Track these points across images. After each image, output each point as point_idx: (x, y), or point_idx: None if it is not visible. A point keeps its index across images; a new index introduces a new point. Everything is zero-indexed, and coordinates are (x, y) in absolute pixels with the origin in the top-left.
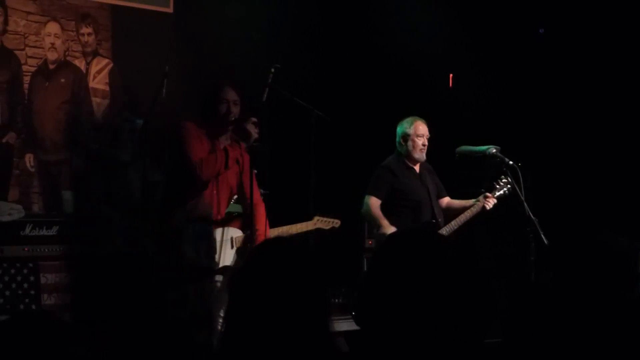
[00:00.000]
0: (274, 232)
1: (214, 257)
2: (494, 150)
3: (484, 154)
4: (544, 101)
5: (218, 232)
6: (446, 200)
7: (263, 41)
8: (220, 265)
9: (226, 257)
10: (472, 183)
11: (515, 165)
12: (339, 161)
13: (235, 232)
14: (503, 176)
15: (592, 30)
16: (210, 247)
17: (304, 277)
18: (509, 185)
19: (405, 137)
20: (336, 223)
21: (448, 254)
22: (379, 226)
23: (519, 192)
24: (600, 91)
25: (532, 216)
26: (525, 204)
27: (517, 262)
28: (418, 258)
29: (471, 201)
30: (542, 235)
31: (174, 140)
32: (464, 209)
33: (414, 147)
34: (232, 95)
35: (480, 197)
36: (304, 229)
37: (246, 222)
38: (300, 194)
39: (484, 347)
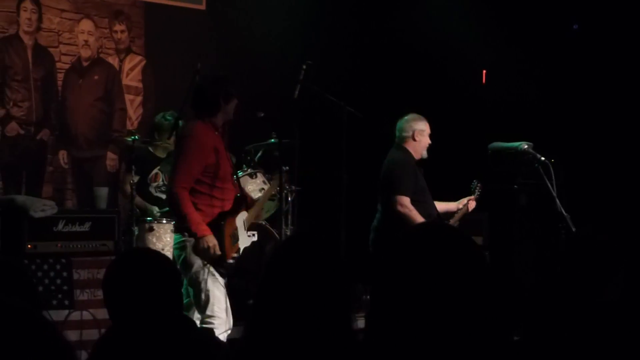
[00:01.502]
0: (259, 203)
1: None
2: (527, 147)
3: (516, 150)
4: (577, 97)
5: (238, 219)
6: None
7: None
8: (241, 249)
9: (244, 240)
10: (504, 179)
11: (547, 161)
12: (371, 158)
13: (243, 215)
14: (475, 180)
15: (626, 26)
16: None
17: (328, 272)
18: (478, 189)
19: (420, 133)
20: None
21: (475, 249)
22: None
23: (552, 189)
24: (635, 87)
25: (564, 213)
26: (557, 201)
27: (548, 259)
28: (444, 252)
29: (453, 204)
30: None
31: (180, 140)
32: (447, 212)
33: (425, 144)
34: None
35: (466, 201)
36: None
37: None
38: (331, 192)
39: (510, 346)
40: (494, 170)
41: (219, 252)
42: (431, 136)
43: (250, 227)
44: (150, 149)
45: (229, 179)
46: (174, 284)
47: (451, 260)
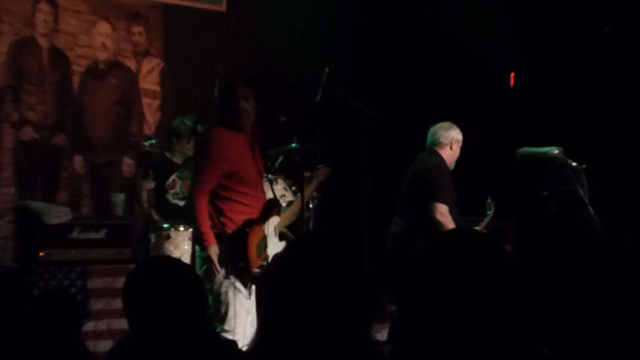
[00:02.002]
0: (296, 203)
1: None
2: (557, 152)
3: (546, 156)
4: (609, 101)
5: (266, 227)
6: None
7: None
8: (270, 256)
9: (275, 247)
10: (534, 185)
11: (579, 167)
12: (395, 164)
13: (274, 221)
14: (489, 198)
15: None
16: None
17: (342, 275)
18: (493, 207)
19: (457, 143)
20: (326, 171)
21: (509, 258)
22: None
23: (583, 195)
24: None
25: (596, 219)
26: (589, 208)
27: (580, 267)
28: (476, 260)
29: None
30: None
31: (199, 145)
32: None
33: (457, 156)
34: (244, 90)
35: (484, 225)
36: (317, 185)
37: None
38: (354, 199)
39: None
40: (522, 177)
41: (217, 269)
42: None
43: (281, 236)
44: (167, 154)
45: (257, 185)
46: (196, 293)
47: (484, 269)
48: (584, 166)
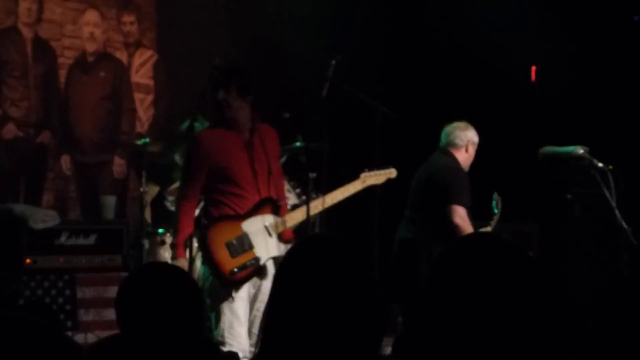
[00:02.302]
0: (315, 203)
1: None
2: (582, 152)
3: (570, 156)
4: (639, 97)
5: (246, 225)
6: None
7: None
8: (264, 258)
9: (267, 247)
10: (557, 188)
11: (605, 168)
12: (408, 164)
13: (266, 219)
14: (495, 194)
15: None
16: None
17: (347, 281)
18: (499, 204)
19: (473, 145)
20: (390, 173)
21: (534, 265)
22: None
23: (610, 199)
24: None
25: (624, 225)
26: (617, 212)
27: (608, 276)
28: (498, 267)
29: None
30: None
31: (186, 149)
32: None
33: (472, 158)
34: (223, 79)
35: (494, 225)
36: (353, 191)
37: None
38: (363, 200)
39: None
40: (545, 178)
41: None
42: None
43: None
44: (176, 157)
45: (251, 186)
46: (194, 303)
47: (506, 277)
48: (610, 167)
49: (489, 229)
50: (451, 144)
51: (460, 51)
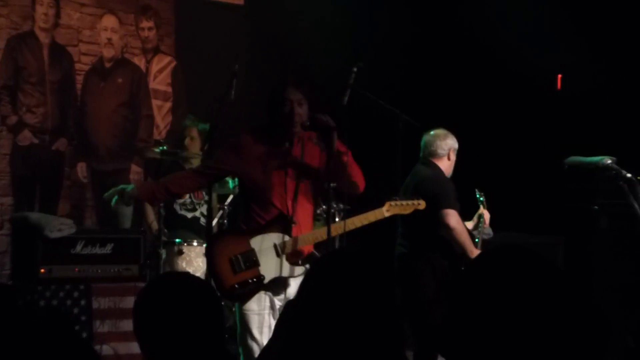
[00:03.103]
0: (335, 228)
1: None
2: (609, 162)
3: (597, 166)
4: None
5: (255, 241)
6: None
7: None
8: (268, 277)
9: (273, 266)
10: (583, 198)
11: (633, 178)
12: None
13: (277, 238)
14: (476, 189)
15: None
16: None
17: (369, 297)
18: (483, 198)
19: (454, 152)
20: (418, 204)
21: (563, 277)
22: (466, 246)
23: (638, 210)
24: None
25: None
26: None
27: (635, 289)
28: (526, 280)
29: (470, 223)
30: None
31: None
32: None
33: (453, 164)
34: (295, 94)
35: (477, 219)
36: (374, 219)
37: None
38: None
39: None
40: (571, 189)
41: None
42: (493, 150)
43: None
44: (179, 161)
45: (275, 198)
46: (215, 314)
47: (535, 290)
48: (638, 178)
49: (474, 222)
50: (433, 154)
51: (484, 59)
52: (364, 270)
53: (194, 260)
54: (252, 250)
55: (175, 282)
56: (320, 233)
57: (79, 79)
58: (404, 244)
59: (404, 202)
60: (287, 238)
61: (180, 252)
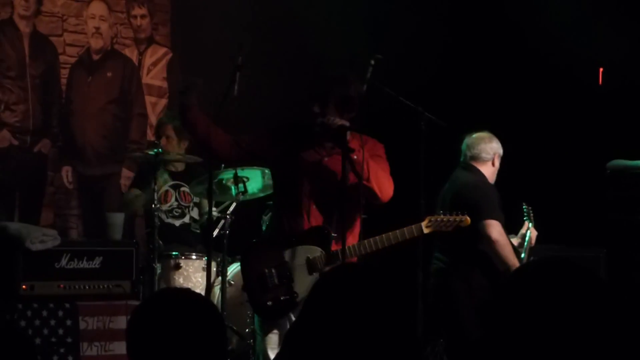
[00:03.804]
0: (371, 242)
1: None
2: None
3: None
4: None
5: (288, 254)
6: None
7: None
8: (302, 295)
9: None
10: (627, 207)
11: None
12: None
13: (312, 252)
14: (524, 203)
15: None
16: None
17: (378, 316)
18: (531, 213)
19: (499, 158)
20: (462, 220)
21: (610, 292)
22: (510, 260)
23: None
24: None
25: None
26: None
27: None
28: (571, 295)
29: (516, 239)
30: None
31: None
32: None
33: (495, 173)
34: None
35: (525, 230)
36: (411, 236)
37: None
38: (407, 217)
39: None
40: (613, 196)
41: None
42: (526, 154)
43: None
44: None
45: (309, 206)
46: (218, 335)
47: (580, 306)
48: None
49: (519, 240)
50: (476, 158)
51: (516, 50)
52: (372, 286)
53: (192, 276)
54: (286, 264)
55: (174, 299)
56: (360, 247)
57: (64, 72)
58: (441, 259)
59: (446, 218)
60: (323, 252)
61: (178, 267)
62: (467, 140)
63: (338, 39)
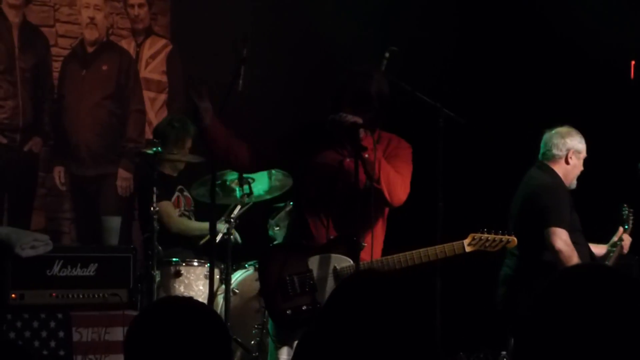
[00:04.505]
0: (408, 257)
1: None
2: None
3: None
4: None
5: (313, 261)
6: None
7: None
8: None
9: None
10: None
11: None
12: (478, 181)
13: (340, 261)
14: (625, 205)
15: None
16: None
17: (400, 333)
18: (631, 217)
19: (577, 154)
20: (508, 240)
21: None
22: None
23: None
24: None
25: None
26: None
27: None
28: (611, 305)
29: (601, 247)
30: None
31: None
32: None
33: (578, 171)
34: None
35: (617, 239)
36: (451, 254)
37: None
38: (422, 225)
39: None
40: None
41: None
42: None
43: None
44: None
45: (339, 210)
46: (221, 347)
47: (622, 316)
48: None
49: (605, 249)
50: (547, 156)
51: (545, 44)
52: (394, 294)
53: (193, 284)
54: (310, 272)
55: (175, 309)
56: (394, 261)
57: (56, 66)
58: (509, 264)
59: (491, 237)
60: (351, 262)
61: (178, 274)
62: (544, 136)
63: (349, 29)
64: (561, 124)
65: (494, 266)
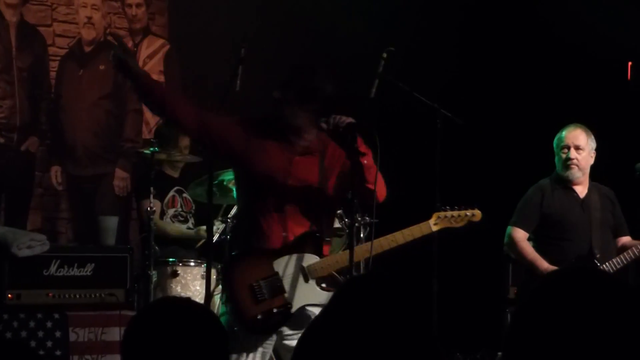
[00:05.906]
0: (376, 244)
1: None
2: None
3: None
4: None
5: (279, 263)
6: (624, 240)
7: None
8: (296, 306)
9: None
10: None
11: None
12: (477, 180)
13: (306, 259)
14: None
15: None
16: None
17: (401, 335)
18: None
19: (555, 149)
20: (473, 215)
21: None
22: (530, 266)
23: None
24: None
25: None
26: None
27: None
28: (587, 307)
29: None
30: None
31: None
32: None
33: (559, 162)
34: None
35: None
36: (419, 235)
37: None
38: (421, 218)
39: None
40: None
41: None
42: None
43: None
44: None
45: (292, 207)
46: (218, 348)
47: (608, 320)
48: None
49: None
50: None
51: (543, 44)
52: (393, 297)
53: (190, 284)
54: (277, 275)
55: (173, 309)
56: (361, 251)
57: (53, 65)
58: None
59: (456, 213)
60: (318, 259)
61: (175, 274)
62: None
63: (349, 29)
64: (560, 125)
65: (492, 266)
